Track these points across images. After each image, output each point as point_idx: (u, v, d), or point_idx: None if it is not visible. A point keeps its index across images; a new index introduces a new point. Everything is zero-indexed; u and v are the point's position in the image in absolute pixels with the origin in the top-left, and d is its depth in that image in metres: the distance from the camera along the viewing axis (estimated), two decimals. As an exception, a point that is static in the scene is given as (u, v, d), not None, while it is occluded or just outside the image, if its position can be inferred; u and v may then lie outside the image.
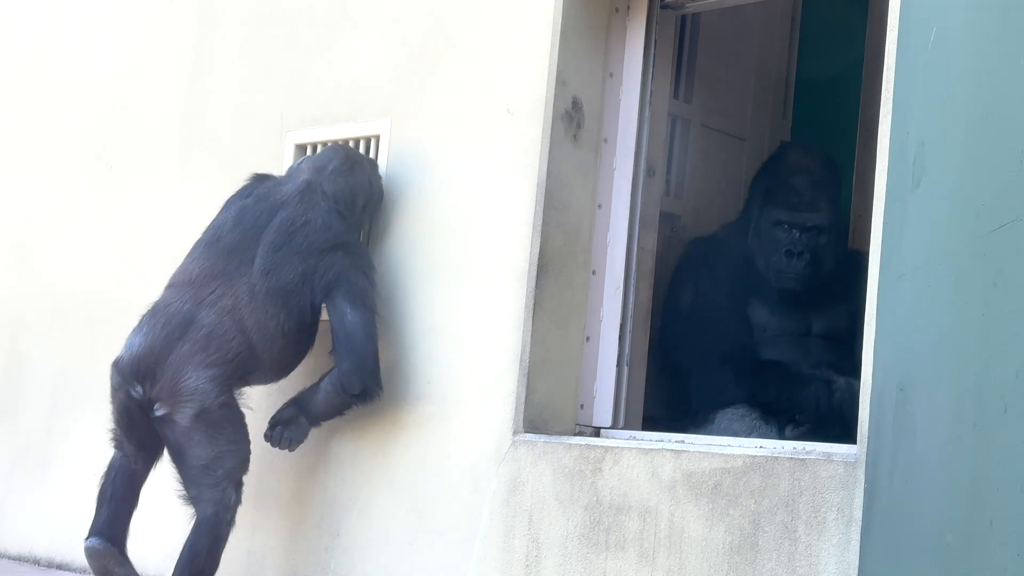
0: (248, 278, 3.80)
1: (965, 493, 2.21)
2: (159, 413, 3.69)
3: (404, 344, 3.94)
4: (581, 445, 3.50)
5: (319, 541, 4.02)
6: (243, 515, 3.87)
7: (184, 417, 3.67)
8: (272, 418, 3.90)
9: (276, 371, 3.88)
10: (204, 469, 3.69)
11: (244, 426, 3.78)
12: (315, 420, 3.89)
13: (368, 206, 4.01)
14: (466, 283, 3.83)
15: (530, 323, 3.65)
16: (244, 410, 3.81)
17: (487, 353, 3.74)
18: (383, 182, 4.06)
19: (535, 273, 3.67)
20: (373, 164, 4.08)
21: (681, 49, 4.32)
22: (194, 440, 3.68)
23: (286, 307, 3.79)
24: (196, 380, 3.67)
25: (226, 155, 4.58)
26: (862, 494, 2.86)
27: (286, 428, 3.88)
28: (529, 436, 3.61)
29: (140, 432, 3.80)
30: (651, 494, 3.31)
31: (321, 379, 3.83)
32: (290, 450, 3.90)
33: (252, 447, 3.81)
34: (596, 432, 3.77)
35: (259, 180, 4.04)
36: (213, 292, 3.80)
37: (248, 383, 3.85)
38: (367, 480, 3.95)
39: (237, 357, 3.74)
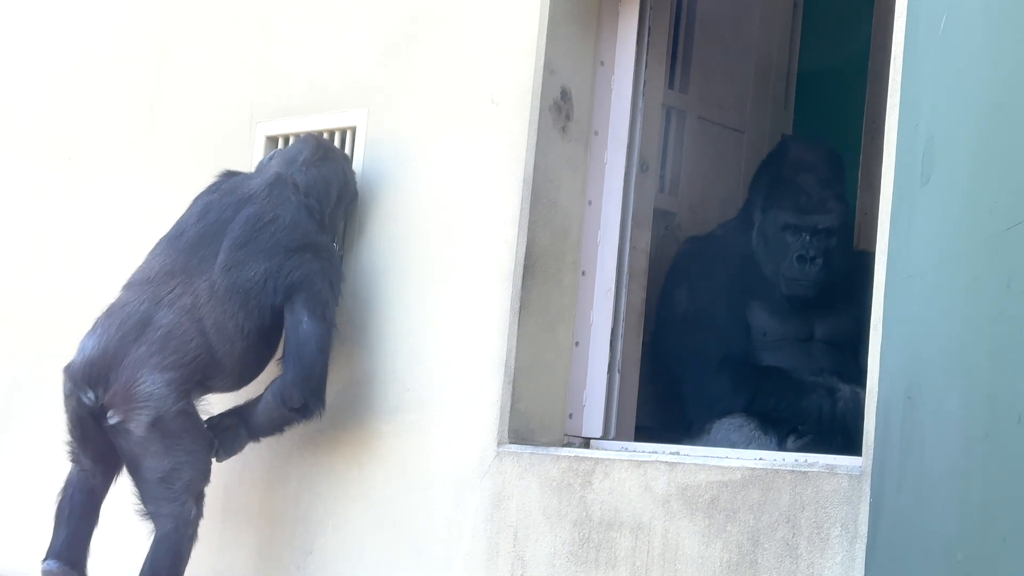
0: (209, 275, 3.80)
1: (977, 508, 2.21)
2: (112, 421, 3.67)
3: (381, 350, 3.93)
4: (569, 457, 3.49)
5: (291, 559, 4.01)
6: (209, 531, 3.86)
7: (139, 426, 3.65)
8: (208, 422, 3.87)
9: (237, 377, 3.87)
10: (161, 482, 3.68)
11: (204, 435, 3.77)
12: (255, 434, 3.87)
13: (343, 199, 4.00)
14: (447, 284, 3.83)
15: (515, 327, 3.65)
16: (204, 417, 3.80)
17: (470, 359, 3.73)
18: (358, 179, 4.05)
19: (521, 273, 3.66)
20: (347, 159, 4.08)
21: (677, 36, 4.32)
22: (150, 451, 3.66)
23: (245, 307, 3.77)
24: (152, 384, 3.66)
25: (192, 147, 4.57)
26: (867, 509, 2.87)
27: (222, 437, 3.84)
28: (514, 447, 3.60)
29: (96, 443, 3.78)
30: (644, 509, 3.31)
31: (266, 389, 3.82)
32: (217, 460, 3.87)
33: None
34: (585, 443, 3.77)
35: (228, 175, 4.04)
36: (172, 291, 3.79)
37: (208, 389, 3.83)
38: (342, 494, 3.94)
39: (196, 360, 3.73)
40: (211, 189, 4.00)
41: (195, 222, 3.91)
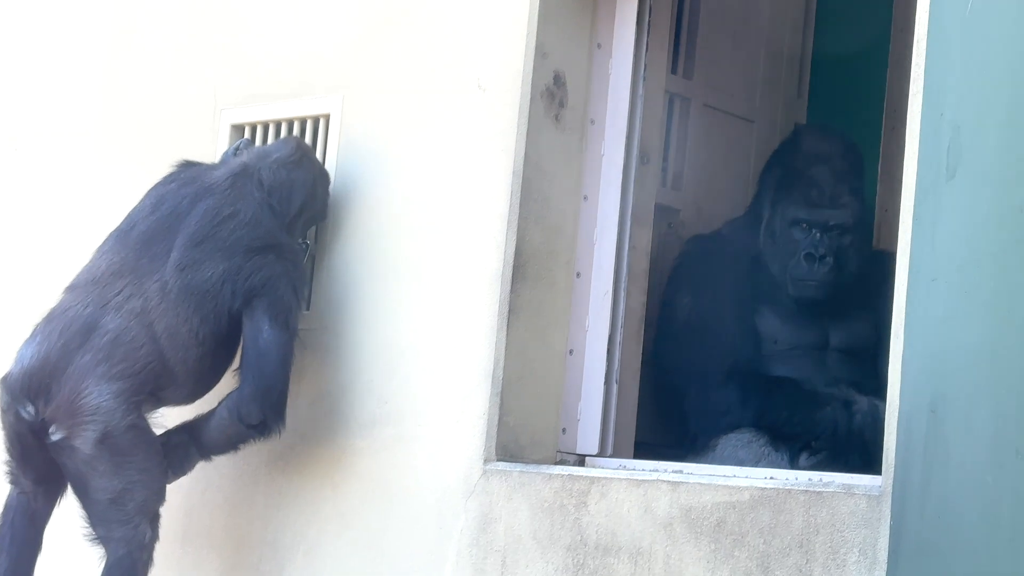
0: (161, 275, 3.78)
1: (1007, 530, 2.22)
2: (55, 438, 3.65)
3: (356, 359, 3.93)
4: (563, 476, 3.49)
5: (257, 587, 4.01)
6: (167, 556, 3.85)
7: (85, 442, 3.63)
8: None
9: (191, 387, 3.85)
10: (112, 503, 3.66)
11: (157, 451, 3.75)
12: (206, 452, 3.86)
13: (304, 212, 3.98)
14: (430, 287, 3.83)
15: (504, 333, 3.65)
16: (157, 431, 3.78)
17: (454, 369, 3.73)
18: (331, 192, 4.03)
19: (510, 275, 3.66)
20: (324, 173, 4.05)
21: (680, 17, 4.33)
22: (98, 470, 3.64)
23: (201, 310, 3.76)
24: (99, 396, 3.64)
25: (151, 137, 4.56)
26: (888, 532, 2.87)
27: (170, 455, 3.81)
28: (502, 465, 3.60)
29: (36, 462, 3.75)
30: (644, 532, 3.31)
31: (220, 403, 3.81)
32: (167, 481, 3.85)
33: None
34: (580, 460, 3.77)
35: (186, 166, 4.02)
36: (120, 292, 3.77)
37: (160, 401, 3.82)
38: (314, 516, 3.94)
39: (146, 368, 3.71)
40: (166, 180, 3.99)
41: (146, 216, 3.89)
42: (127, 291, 3.77)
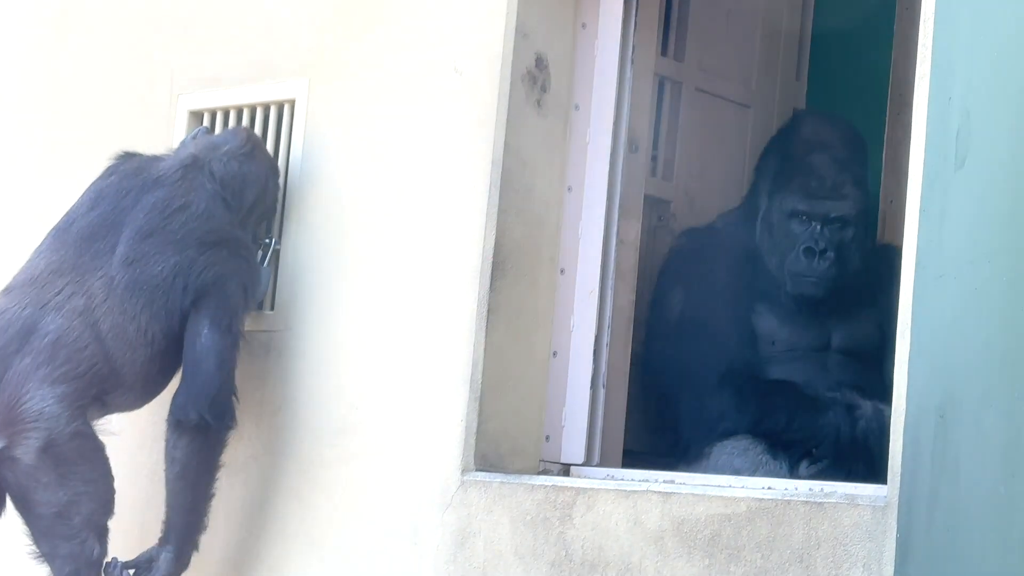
0: (106, 270, 3.79)
1: (1020, 543, 2.23)
2: None
3: (324, 362, 3.93)
4: (546, 486, 3.50)
5: (218, 607, 4.01)
6: None
7: (27, 452, 3.63)
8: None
9: (140, 391, 3.85)
10: (57, 517, 3.67)
11: (104, 460, 3.76)
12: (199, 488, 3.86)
13: (257, 208, 4.01)
14: (403, 285, 3.83)
15: (483, 334, 3.65)
16: (104, 439, 3.78)
17: (429, 372, 3.74)
18: (280, 186, 4.05)
19: (489, 272, 3.67)
20: (275, 168, 4.08)
21: (671, -6, 4.34)
22: (42, 482, 3.65)
23: (150, 307, 3.77)
24: (41, 401, 3.64)
25: (103, 125, 4.55)
26: (894, 546, 2.88)
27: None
28: (482, 475, 3.61)
29: None
30: (633, 547, 3.32)
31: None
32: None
33: (136, 484, 3.78)
34: (565, 470, 3.77)
35: (127, 157, 4.03)
36: (61, 291, 3.78)
37: (107, 406, 3.82)
38: (279, 531, 3.94)
39: (91, 370, 3.72)
40: (106, 174, 4.00)
41: (86, 212, 3.90)
42: (68, 289, 3.78)
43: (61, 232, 3.90)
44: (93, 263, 3.81)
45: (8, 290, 3.86)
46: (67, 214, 3.95)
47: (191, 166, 3.93)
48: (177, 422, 3.76)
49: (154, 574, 3.84)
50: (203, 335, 3.77)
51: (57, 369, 3.68)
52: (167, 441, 3.81)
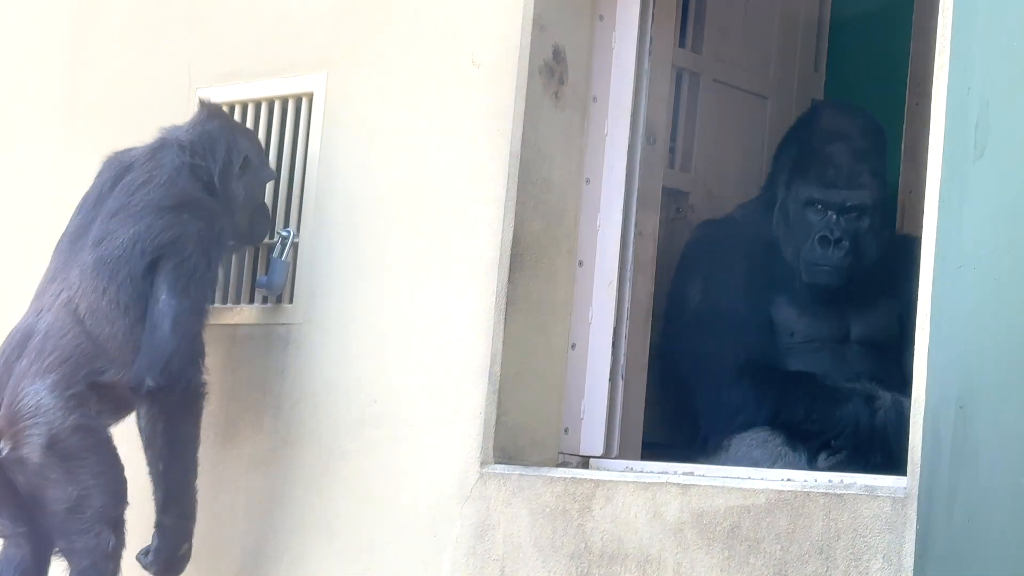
0: (80, 257, 3.86)
1: (1041, 534, 2.23)
2: (4, 453, 3.69)
3: (343, 355, 3.93)
4: (565, 479, 3.50)
5: (239, 600, 4.03)
6: (138, 567, 3.84)
7: (33, 450, 3.67)
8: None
9: (127, 362, 3.81)
10: (69, 513, 3.69)
11: (111, 451, 3.78)
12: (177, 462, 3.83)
13: (233, 163, 3.99)
14: (421, 278, 3.83)
15: (502, 327, 3.65)
16: (112, 428, 3.80)
17: (448, 365, 3.74)
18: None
19: (507, 265, 3.67)
20: (240, 126, 4.12)
21: (688, -14, 4.33)
22: (51, 479, 3.68)
23: (116, 278, 3.79)
24: (34, 395, 3.69)
25: (120, 119, 4.56)
26: (914, 538, 2.88)
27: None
28: (501, 468, 3.61)
29: (5, 494, 3.76)
30: (652, 539, 3.32)
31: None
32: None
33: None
34: (584, 462, 3.77)
35: (112, 157, 4.09)
36: (53, 294, 3.86)
37: (105, 389, 3.80)
38: (299, 524, 3.95)
39: (76, 352, 3.75)
40: (95, 175, 4.07)
41: (75, 215, 4.00)
42: (57, 289, 3.86)
43: (59, 240, 4.00)
44: (75, 258, 3.88)
45: (31, 303, 3.96)
46: (66, 225, 4.04)
47: (159, 148, 3.98)
48: (133, 391, 3.72)
49: (147, 567, 3.82)
50: (161, 300, 3.76)
51: (45, 360, 3.74)
52: (136, 414, 3.77)
